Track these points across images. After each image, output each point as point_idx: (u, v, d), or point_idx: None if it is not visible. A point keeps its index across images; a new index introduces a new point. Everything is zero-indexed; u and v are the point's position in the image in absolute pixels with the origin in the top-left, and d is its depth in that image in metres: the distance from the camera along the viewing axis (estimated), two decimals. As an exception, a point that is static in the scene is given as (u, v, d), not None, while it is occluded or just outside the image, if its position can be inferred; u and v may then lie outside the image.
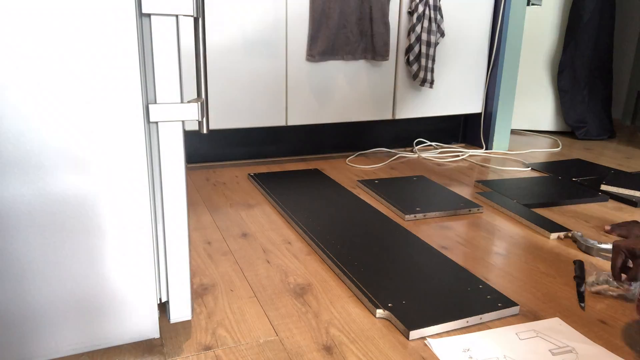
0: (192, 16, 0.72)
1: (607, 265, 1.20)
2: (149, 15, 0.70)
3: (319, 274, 1.13)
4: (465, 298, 1.00)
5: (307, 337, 0.90)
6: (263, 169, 1.97)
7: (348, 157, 2.19)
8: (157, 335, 0.82)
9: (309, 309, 0.99)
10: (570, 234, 1.37)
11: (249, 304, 1.01)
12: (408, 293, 1.01)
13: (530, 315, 0.99)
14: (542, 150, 2.40)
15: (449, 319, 0.93)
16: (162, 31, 0.70)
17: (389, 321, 0.94)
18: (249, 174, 1.84)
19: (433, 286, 1.04)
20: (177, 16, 0.71)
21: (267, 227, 1.39)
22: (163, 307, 0.93)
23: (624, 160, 2.24)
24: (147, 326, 0.80)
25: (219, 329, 0.92)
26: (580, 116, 2.70)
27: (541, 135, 2.75)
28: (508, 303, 0.99)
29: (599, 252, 1.27)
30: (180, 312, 0.83)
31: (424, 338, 0.90)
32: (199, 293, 1.04)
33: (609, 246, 1.26)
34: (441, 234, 1.35)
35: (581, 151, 2.41)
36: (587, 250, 1.29)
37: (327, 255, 1.17)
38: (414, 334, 0.90)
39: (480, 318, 0.95)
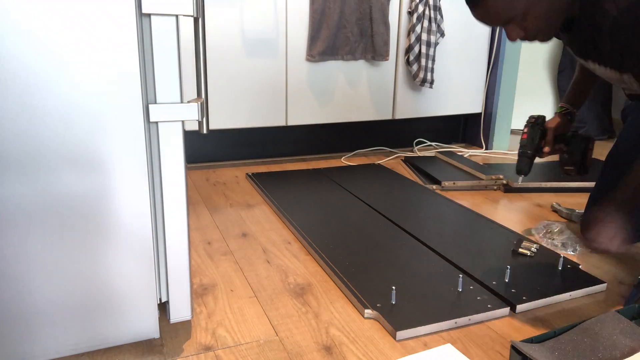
0: (192, 16, 0.72)
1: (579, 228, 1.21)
2: (149, 15, 0.70)
3: (319, 274, 1.13)
4: (455, 298, 1.00)
5: (307, 337, 0.90)
6: (263, 169, 1.97)
7: (346, 156, 2.19)
8: (157, 335, 0.82)
9: (309, 309, 0.99)
10: (551, 206, 1.59)
11: (249, 304, 1.01)
12: (398, 293, 1.01)
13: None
14: (542, 150, 2.40)
15: (437, 320, 0.93)
16: (162, 31, 0.70)
17: (378, 322, 0.94)
18: (247, 174, 1.84)
19: (424, 286, 1.04)
20: (177, 16, 0.71)
21: (267, 227, 1.39)
22: (163, 307, 0.93)
23: (624, 160, 2.24)
24: (147, 326, 0.80)
25: (219, 329, 0.92)
26: (580, 116, 2.70)
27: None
28: (498, 304, 0.99)
29: (579, 217, 1.46)
30: (180, 312, 0.83)
31: (411, 338, 0.90)
32: (199, 293, 1.04)
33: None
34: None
35: (581, 151, 2.40)
36: (567, 216, 1.49)
37: (320, 255, 1.17)
38: (401, 334, 0.90)
39: (469, 319, 0.95)
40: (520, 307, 0.99)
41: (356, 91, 2.07)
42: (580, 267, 1.15)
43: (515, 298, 1.01)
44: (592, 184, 1.76)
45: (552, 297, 1.02)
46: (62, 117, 0.67)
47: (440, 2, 2.08)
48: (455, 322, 0.93)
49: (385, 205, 1.53)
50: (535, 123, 1.28)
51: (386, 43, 2.01)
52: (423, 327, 0.91)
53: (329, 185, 1.71)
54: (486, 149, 2.36)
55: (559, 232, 1.32)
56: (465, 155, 2.24)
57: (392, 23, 2.04)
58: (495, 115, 2.32)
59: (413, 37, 2.04)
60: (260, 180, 1.75)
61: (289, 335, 0.91)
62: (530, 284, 1.06)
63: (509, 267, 1.08)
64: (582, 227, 1.34)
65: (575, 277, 1.10)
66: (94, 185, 0.71)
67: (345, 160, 2.12)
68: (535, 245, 1.19)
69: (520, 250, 1.19)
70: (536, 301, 1.01)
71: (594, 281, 1.09)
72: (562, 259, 1.14)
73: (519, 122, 2.82)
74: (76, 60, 0.66)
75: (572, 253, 1.26)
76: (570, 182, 1.75)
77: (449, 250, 1.22)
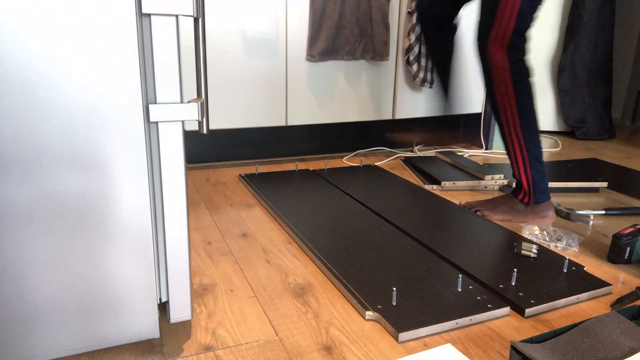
0: (192, 16, 0.72)
1: (580, 228, 1.21)
2: (149, 15, 0.70)
3: (319, 274, 1.13)
4: (456, 299, 1.00)
5: (307, 337, 0.90)
6: (263, 169, 1.97)
7: (347, 157, 2.19)
8: (157, 335, 0.82)
9: (309, 309, 0.99)
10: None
11: (249, 304, 1.01)
12: (398, 294, 1.01)
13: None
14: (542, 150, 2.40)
15: (439, 321, 0.93)
16: (162, 31, 0.70)
17: (379, 323, 0.94)
18: (239, 175, 1.83)
19: (424, 287, 1.04)
20: (177, 16, 0.71)
21: (267, 227, 1.39)
22: (163, 307, 0.93)
23: (624, 160, 2.24)
24: (147, 326, 0.80)
25: (219, 329, 0.92)
26: (580, 116, 2.70)
27: (541, 135, 2.75)
28: (498, 304, 0.98)
29: (578, 217, 1.48)
30: (180, 312, 0.83)
31: (413, 340, 0.90)
32: (199, 293, 1.04)
33: (586, 212, 1.51)
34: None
35: (581, 151, 2.41)
36: (567, 216, 1.51)
37: (318, 257, 1.17)
38: (403, 336, 0.89)
39: (470, 319, 0.95)
40: (528, 312, 0.98)
41: (356, 91, 2.07)
42: (585, 269, 1.15)
43: (523, 302, 0.99)
44: (590, 184, 1.76)
45: (559, 301, 1.01)
46: (62, 117, 0.67)
47: (440, 2, 2.08)
48: (457, 323, 0.93)
49: (383, 206, 1.53)
50: None
51: (386, 43, 2.01)
52: (425, 328, 0.91)
53: (324, 186, 1.71)
54: (486, 149, 2.36)
55: (552, 231, 1.34)
56: (465, 155, 2.24)
57: (392, 23, 2.04)
58: (495, 115, 2.32)
59: (413, 37, 2.04)
60: (252, 181, 1.75)
61: (289, 335, 0.91)
62: (537, 287, 1.05)
63: (515, 270, 1.07)
64: None
65: (581, 280, 1.09)
66: (94, 185, 0.71)
67: (346, 161, 2.12)
68: (535, 246, 1.19)
69: (522, 252, 1.19)
70: (544, 305, 0.99)
71: (600, 284, 1.08)
72: (567, 261, 1.13)
73: (519, 122, 2.82)
74: (76, 60, 0.66)
75: (571, 248, 1.27)
76: (570, 182, 1.75)
77: (449, 250, 1.22)
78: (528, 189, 1.42)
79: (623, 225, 1.46)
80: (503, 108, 1.35)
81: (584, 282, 1.08)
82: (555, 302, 1.01)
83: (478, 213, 1.49)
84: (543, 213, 1.45)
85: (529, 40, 1.31)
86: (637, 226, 1.22)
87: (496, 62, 1.30)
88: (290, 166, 2.02)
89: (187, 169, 1.97)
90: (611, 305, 1.02)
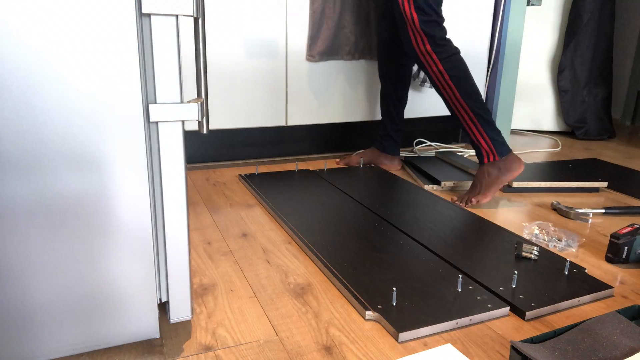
0: (192, 16, 0.72)
1: (579, 227, 1.21)
2: (149, 15, 0.70)
3: (319, 274, 1.13)
4: (456, 299, 1.00)
5: (307, 337, 0.90)
6: (263, 169, 1.97)
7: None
8: (157, 335, 0.82)
9: (309, 309, 0.99)
10: (551, 204, 1.62)
11: (249, 304, 1.01)
12: (398, 294, 1.01)
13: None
14: (542, 150, 2.40)
15: (439, 321, 0.92)
16: (162, 31, 0.70)
17: (379, 323, 0.94)
18: (239, 175, 1.83)
19: (423, 287, 1.04)
20: (177, 16, 0.71)
21: (267, 227, 1.39)
22: (163, 307, 0.93)
23: (624, 160, 2.24)
24: (147, 326, 0.81)
25: (219, 329, 0.92)
26: (580, 116, 2.70)
27: (541, 135, 2.75)
28: (498, 304, 0.98)
29: (578, 216, 1.51)
30: (180, 312, 0.83)
31: (413, 340, 0.90)
32: (199, 293, 1.05)
33: (585, 210, 1.52)
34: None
35: (581, 151, 2.41)
36: (567, 214, 1.52)
37: (318, 257, 1.17)
38: (403, 335, 0.89)
39: (470, 319, 0.95)
40: (529, 314, 0.97)
41: (356, 91, 2.07)
42: (586, 271, 1.15)
43: (524, 305, 0.99)
44: (590, 184, 1.76)
45: (560, 304, 1.01)
46: (62, 116, 0.67)
47: (440, 2, 2.08)
48: (457, 323, 0.93)
49: (383, 206, 1.53)
50: None
51: (386, 43, 2.01)
52: (425, 328, 0.91)
53: (324, 186, 1.71)
54: (486, 149, 2.36)
55: (552, 231, 1.33)
56: (465, 155, 2.24)
57: (392, 23, 2.04)
58: (495, 115, 2.32)
59: (413, 37, 2.04)
60: (252, 181, 1.75)
61: (289, 335, 0.91)
62: (538, 289, 1.05)
63: (515, 272, 1.06)
64: None
65: (582, 282, 1.08)
66: (94, 185, 0.71)
67: (345, 160, 2.12)
68: (536, 248, 1.19)
69: (523, 254, 1.19)
70: (545, 307, 0.99)
71: (602, 286, 1.07)
72: (568, 263, 1.12)
73: (519, 122, 2.82)
74: (76, 60, 0.66)
75: (570, 248, 1.27)
76: (570, 182, 1.76)
77: (449, 251, 1.22)
78: (488, 147, 1.53)
79: (622, 224, 1.47)
80: (441, 85, 1.55)
81: (586, 284, 1.08)
82: (557, 305, 1.00)
83: (473, 202, 1.55)
84: (514, 166, 1.52)
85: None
86: (635, 225, 1.22)
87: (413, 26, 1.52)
88: (290, 166, 2.02)
89: (187, 169, 1.97)
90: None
